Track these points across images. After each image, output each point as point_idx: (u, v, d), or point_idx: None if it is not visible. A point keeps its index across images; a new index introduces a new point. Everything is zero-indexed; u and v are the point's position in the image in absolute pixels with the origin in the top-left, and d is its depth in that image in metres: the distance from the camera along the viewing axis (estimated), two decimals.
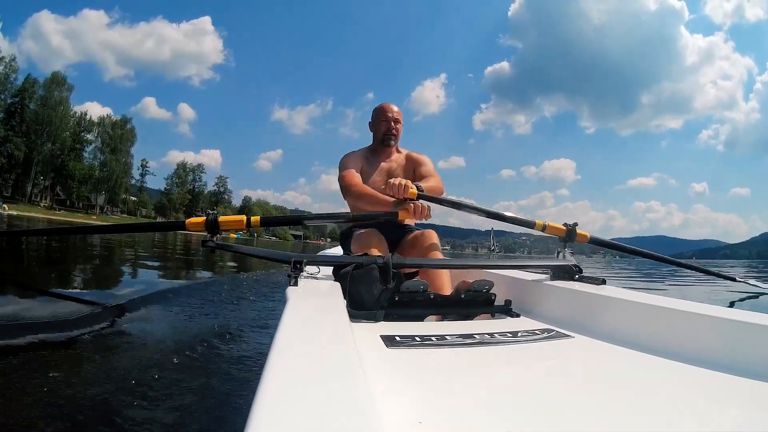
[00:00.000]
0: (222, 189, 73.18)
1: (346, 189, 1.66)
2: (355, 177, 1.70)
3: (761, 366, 0.68)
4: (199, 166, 70.20)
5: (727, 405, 0.61)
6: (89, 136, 52.09)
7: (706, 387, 0.67)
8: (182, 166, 67.36)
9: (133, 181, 59.18)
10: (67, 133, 48.35)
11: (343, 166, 1.78)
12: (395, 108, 1.82)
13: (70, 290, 3.05)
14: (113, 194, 53.54)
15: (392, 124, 1.80)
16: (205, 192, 69.03)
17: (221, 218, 1.25)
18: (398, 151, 1.87)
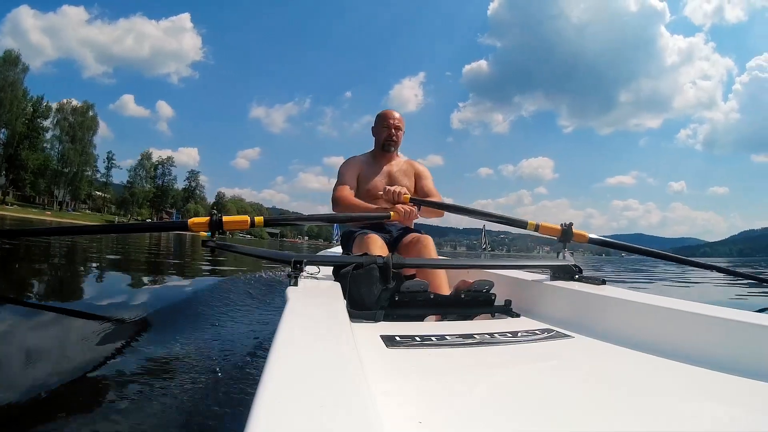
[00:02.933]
0: (194, 185, 68.70)
1: (335, 202, 1.74)
2: (344, 191, 1.74)
3: (761, 366, 0.68)
4: (169, 158, 64.92)
5: (727, 405, 0.61)
6: (46, 123, 48.26)
7: (706, 387, 0.67)
8: (146, 156, 61.00)
9: (99, 176, 55.09)
10: (22, 119, 44.76)
11: (339, 177, 1.83)
12: (397, 115, 1.85)
13: (72, 299, 3.05)
14: (75, 188, 49.76)
15: (393, 131, 1.85)
16: (175, 187, 64.27)
17: (225, 218, 1.25)
18: (399, 157, 1.93)
